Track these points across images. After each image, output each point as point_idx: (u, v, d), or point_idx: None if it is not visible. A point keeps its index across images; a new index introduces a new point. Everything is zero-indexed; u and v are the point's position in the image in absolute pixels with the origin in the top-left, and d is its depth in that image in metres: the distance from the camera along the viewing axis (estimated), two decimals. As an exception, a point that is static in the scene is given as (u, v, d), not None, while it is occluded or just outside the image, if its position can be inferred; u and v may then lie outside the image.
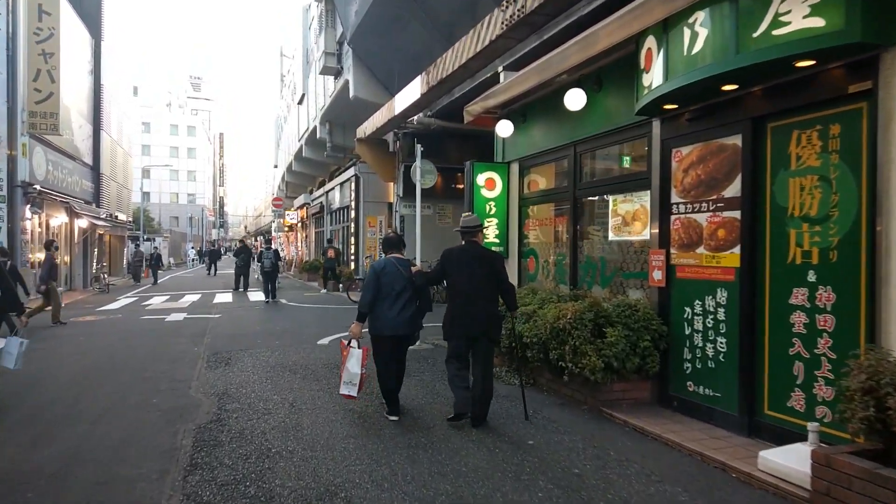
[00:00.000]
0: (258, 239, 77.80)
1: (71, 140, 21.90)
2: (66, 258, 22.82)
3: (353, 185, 21.98)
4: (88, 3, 24.23)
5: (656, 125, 5.86)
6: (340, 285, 21.00)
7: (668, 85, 4.94)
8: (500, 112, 8.93)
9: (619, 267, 6.55)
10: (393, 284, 5.48)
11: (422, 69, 14.19)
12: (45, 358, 8.89)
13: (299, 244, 38.86)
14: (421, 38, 16.98)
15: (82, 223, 23.20)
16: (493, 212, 8.76)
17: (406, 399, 6.29)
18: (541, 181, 8.57)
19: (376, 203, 21.68)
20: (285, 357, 8.74)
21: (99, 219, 24.50)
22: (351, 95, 18.77)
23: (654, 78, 5.19)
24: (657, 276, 5.74)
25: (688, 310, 5.48)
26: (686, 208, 5.50)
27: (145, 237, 39.19)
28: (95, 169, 25.61)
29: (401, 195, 18.59)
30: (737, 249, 4.97)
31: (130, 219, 36.30)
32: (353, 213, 22.08)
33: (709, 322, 5.25)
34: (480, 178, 8.70)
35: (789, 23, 3.92)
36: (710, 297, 5.22)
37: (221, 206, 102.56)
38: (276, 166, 52.75)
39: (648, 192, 6.03)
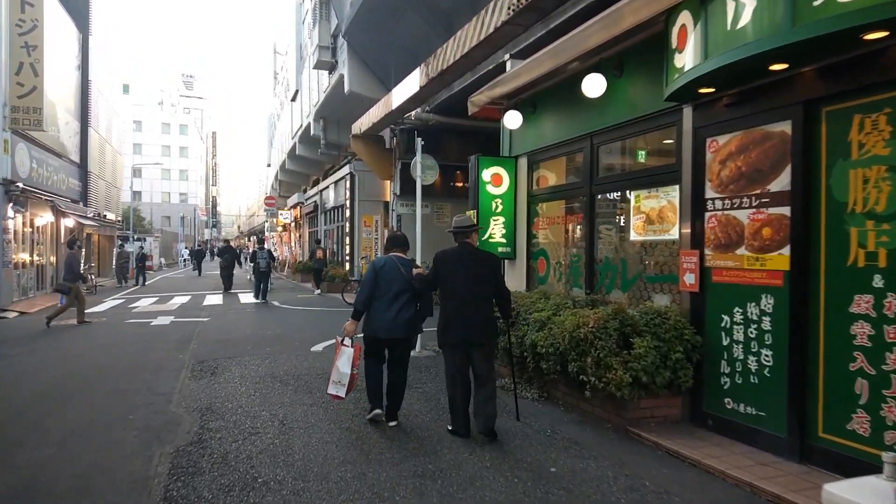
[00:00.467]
0: (251, 239, 77.05)
1: (57, 137, 21.23)
2: (52, 258, 22.12)
3: (347, 183, 21.36)
4: (75, -3, 23.55)
5: (688, 112, 5.28)
6: (318, 290, 20.72)
7: (707, 65, 4.35)
8: (506, 103, 8.34)
9: (642, 269, 5.97)
10: (391, 284, 5.20)
11: (419, 63, 13.58)
12: (14, 366, 8.26)
13: (293, 244, 38.18)
14: (419, 29, 16.37)
15: (69, 222, 22.52)
16: (499, 209, 8.17)
17: (409, 415, 5.70)
18: (552, 176, 7.99)
19: (372, 202, 21.08)
20: (276, 366, 8.13)
21: (86, 218, 23.82)
22: (346, 90, 18.16)
23: (687, 58, 4.61)
24: (689, 279, 5.16)
25: (726, 318, 4.90)
26: (724, 204, 4.92)
27: (135, 237, 38.37)
28: (83, 167, 24.93)
29: (398, 193, 17.99)
30: (785, 250, 4.40)
31: (120, 218, 35.58)
32: (347, 213, 21.46)
33: (751, 332, 4.68)
34: (486, 174, 8.11)
35: (859, -14, 3.35)
36: (753, 303, 4.65)
37: (214, 205, 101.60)
38: (269, 165, 52.01)
39: (678, 186, 5.46)
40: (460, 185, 18.26)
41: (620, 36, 5.63)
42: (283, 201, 40.67)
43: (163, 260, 46.16)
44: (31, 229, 19.79)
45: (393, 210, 18.45)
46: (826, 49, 3.90)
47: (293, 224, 37.31)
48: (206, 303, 17.29)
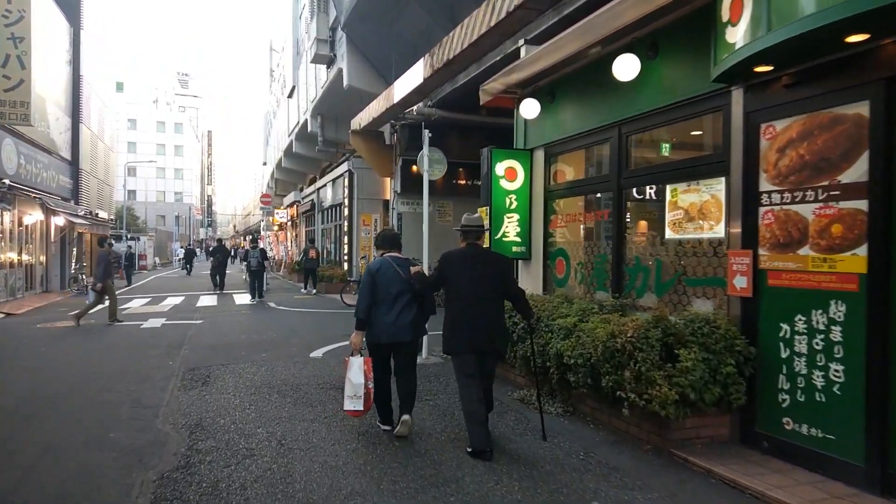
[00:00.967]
0: (246, 238, 76.32)
1: (46, 133, 20.60)
2: (41, 258, 21.48)
3: (346, 181, 20.75)
4: (66, -11, 22.88)
5: (738, 95, 4.70)
6: (315, 290, 20.33)
7: (772, 37, 3.77)
8: (520, 92, 7.76)
9: (680, 271, 5.38)
10: (389, 287, 4.96)
11: (421, 56, 13.01)
12: (-9, 375, 7.64)
13: (289, 244, 37.53)
14: (421, 21, 15.80)
15: (59, 221, 21.86)
16: (513, 206, 7.58)
17: (421, 433, 5.11)
18: (571, 170, 7.41)
19: (371, 200, 20.49)
20: (273, 374, 7.53)
21: (77, 216, 23.14)
22: (345, 84, 17.56)
23: (742, 32, 4.04)
24: (740, 283, 4.58)
25: (785, 327, 4.32)
26: (782, 198, 4.34)
27: (129, 236, 37.70)
28: (74, 164, 24.28)
29: (398, 191, 17.41)
30: (861, 250, 3.82)
31: (113, 217, 34.88)
32: (346, 211, 20.86)
33: (817, 343, 4.10)
34: (500, 168, 7.52)
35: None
36: (820, 311, 4.07)
37: (209, 204, 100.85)
38: (265, 164, 51.42)
39: (723, 179, 4.88)
40: (463, 182, 17.68)
41: (655, 13, 5.08)
42: (280, 200, 40.05)
43: (157, 259, 45.46)
44: (19, 228, 19.16)
45: (393, 208, 17.85)
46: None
47: (289, 223, 36.67)
48: (199, 304, 16.66)
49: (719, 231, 4.96)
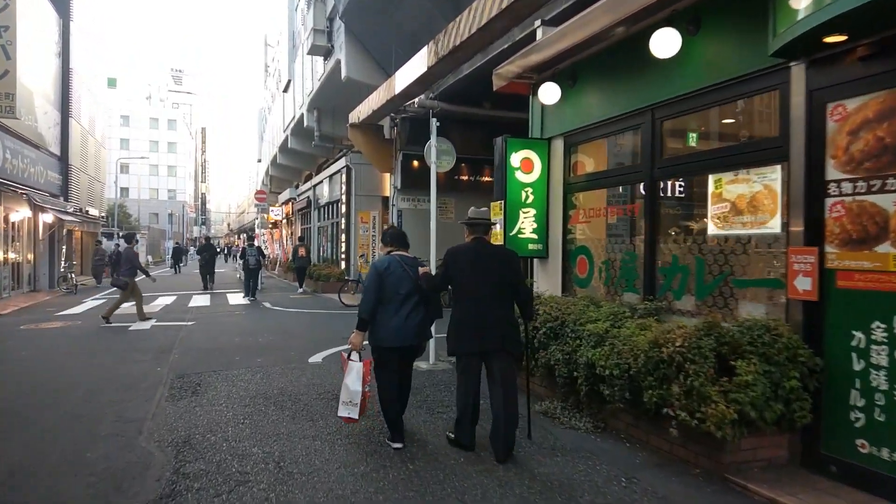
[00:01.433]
0: (240, 237, 75.54)
1: (34, 127, 19.95)
2: (29, 256, 20.82)
3: (343, 177, 20.15)
4: (54, -22, 22.20)
5: (798, 71, 4.14)
6: (302, 288, 20.05)
7: (849, 1, 3.22)
8: (537, 77, 7.21)
9: (726, 272, 4.82)
10: (398, 287, 4.69)
11: (422, 47, 12.42)
12: (-37, 383, 7.03)
13: (284, 242, 36.88)
14: (423, 9, 15.19)
15: (47, 218, 21.19)
16: (530, 200, 7.01)
17: (437, 454, 4.54)
18: (594, 161, 6.85)
19: (369, 197, 19.91)
20: (269, 382, 6.95)
21: (66, 213, 22.46)
22: (343, 76, 16.95)
23: (810, -4, 3.49)
24: (803, 285, 4.02)
25: (858, 335, 3.77)
26: (855, 187, 3.79)
27: (121, 234, 36.98)
28: (63, 159, 23.62)
29: (398, 187, 16.85)
30: (958, 247, 3.28)
31: (104, 214, 34.18)
32: (343, 208, 20.26)
33: (900, 354, 3.55)
34: (515, 159, 6.94)
35: None
36: (905, 317, 3.52)
37: (203, 202, 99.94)
38: (259, 160, 50.71)
39: (779, 166, 4.33)
40: (466, 178, 17.13)
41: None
42: (274, 197, 39.39)
43: (150, 258, 44.74)
44: (5, 225, 18.51)
45: (393, 205, 17.28)
46: None
47: (284, 221, 36.02)
48: (191, 304, 16.05)
49: (774, 226, 4.40)
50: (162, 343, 9.66)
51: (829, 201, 3.94)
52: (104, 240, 31.77)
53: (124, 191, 68.68)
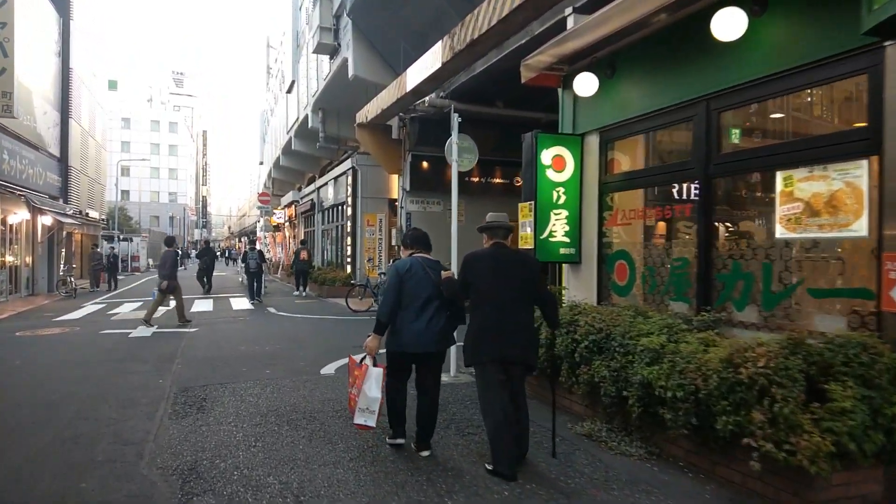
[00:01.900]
0: (241, 240, 75.05)
1: (33, 127, 19.49)
2: (27, 259, 20.31)
3: (349, 178, 19.64)
4: (53, -25, 21.75)
5: (894, 52, 3.63)
6: (305, 291, 19.83)
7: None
8: (567, 68, 6.70)
9: (799, 280, 4.31)
10: (419, 290, 4.50)
11: (431, 45, 11.93)
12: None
13: (288, 245, 36.36)
14: (433, 6, 14.71)
15: (46, 220, 20.71)
16: (561, 201, 6.50)
17: (476, 485, 4.02)
18: (633, 158, 6.35)
19: (375, 199, 19.41)
20: (280, 396, 6.44)
21: (65, 216, 21.95)
22: (350, 75, 16.47)
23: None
24: (902, 296, 3.50)
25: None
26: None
27: (121, 237, 36.51)
28: (63, 161, 23.16)
29: (407, 189, 16.34)
30: None
31: (104, 217, 33.70)
32: (349, 211, 19.75)
33: None
34: (546, 156, 6.44)
35: None
36: None
37: (204, 205, 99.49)
38: (261, 163, 50.34)
39: (865, 161, 3.82)
40: (477, 180, 16.61)
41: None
42: (277, 200, 38.90)
43: (150, 261, 44.23)
44: (2, 227, 18.03)
45: (402, 207, 16.77)
46: None
47: (287, 224, 35.52)
48: (193, 309, 15.51)
49: (858, 228, 3.88)
50: (164, 352, 9.15)
51: (933, 200, 3.43)
52: (104, 242, 31.30)
53: (125, 193, 68.19)
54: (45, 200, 20.41)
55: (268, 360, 8.41)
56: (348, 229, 19.89)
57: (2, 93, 15.81)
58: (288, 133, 29.40)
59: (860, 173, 3.87)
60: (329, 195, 23.45)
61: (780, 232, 4.39)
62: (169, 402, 6.25)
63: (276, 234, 39.36)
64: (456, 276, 4.68)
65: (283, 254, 35.88)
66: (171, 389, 6.77)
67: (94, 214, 28.07)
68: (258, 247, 27.44)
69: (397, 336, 4.50)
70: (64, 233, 23.87)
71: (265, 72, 47.72)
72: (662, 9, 4.77)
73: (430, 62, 11.40)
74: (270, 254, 38.87)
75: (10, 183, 17.39)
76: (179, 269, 32.67)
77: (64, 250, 24.20)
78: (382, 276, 15.59)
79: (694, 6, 4.88)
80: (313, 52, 19.81)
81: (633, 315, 5.07)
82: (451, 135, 7.43)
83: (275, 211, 36.97)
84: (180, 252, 17.21)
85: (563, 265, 6.97)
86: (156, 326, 11.85)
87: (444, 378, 7.12)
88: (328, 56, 19.24)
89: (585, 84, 5.98)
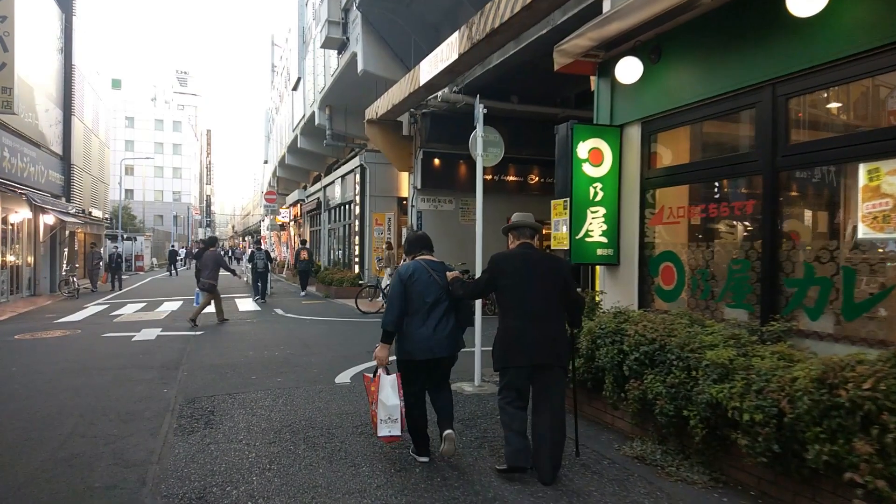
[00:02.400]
0: (245, 239, 74.70)
1: (35, 124, 19.07)
2: (29, 259, 19.88)
3: (357, 176, 19.17)
4: (55, -30, 21.32)
5: None
6: (304, 291, 19.93)
7: None
8: (604, 53, 6.20)
9: (887, 284, 3.80)
10: (425, 295, 4.36)
11: (444, 38, 11.43)
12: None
13: (293, 244, 35.93)
14: (447, -3, 14.21)
15: (48, 219, 20.26)
16: (599, 197, 6.00)
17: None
18: (678, 152, 5.83)
19: (384, 198, 18.94)
20: (293, 408, 5.95)
21: (67, 214, 21.50)
22: (359, 70, 15.98)
23: None
24: None
25: None
26: None
27: (124, 236, 36.10)
28: (66, 159, 22.74)
29: (418, 187, 15.86)
30: None
31: (108, 216, 33.28)
32: (357, 210, 19.29)
33: None
34: (582, 149, 5.93)
35: None
36: None
37: (208, 204, 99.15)
38: (266, 162, 49.96)
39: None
40: (490, 177, 16.10)
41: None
42: (282, 199, 38.48)
43: (154, 260, 43.94)
44: (4, 227, 17.60)
45: (413, 206, 16.29)
46: None
47: (292, 223, 35.08)
48: (199, 311, 15.07)
49: (966, 227, 3.38)
50: (168, 357, 8.68)
51: None
52: (108, 242, 30.89)
53: (129, 192, 67.85)
54: (47, 199, 19.99)
55: (278, 367, 7.93)
56: (356, 228, 19.43)
57: (2, 88, 15.38)
58: (294, 131, 28.95)
59: (969, 164, 3.36)
60: (336, 194, 22.98)
61: (864, 231, 3.88)
62: (174, 415, 5.77)
63: (282, 233, 38.98)
64: (461, 277, 4.51)
65: (289, 253, 35.45)
66: (177, 401, 6.29)
67: (97, 213, 27.65)
68: (264, 246, 26.97)
69: (405, 343, 4.36)
70: (66, 232, 23.46)
71: (270, 70, 47.34)
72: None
73: (445, 54, 10.90)
74: (276, 253, 38.44)
75: (11, 181, 16.97)
76: (175, 267, 32.55)
77: (66, 250, 23.78)
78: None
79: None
80: (321, 48, 19.34)
81: (689, 323, 4.56)
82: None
83: (280, 210, 36.59)
84: (227, 252, 17.15)
85: (597, 267, 6.47)
86: (160, 330, 11.40)
87: (468, 388, 6.66)
88: (336, 51, 18.76)
89: (629, 70, 5.47)
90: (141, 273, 36.48)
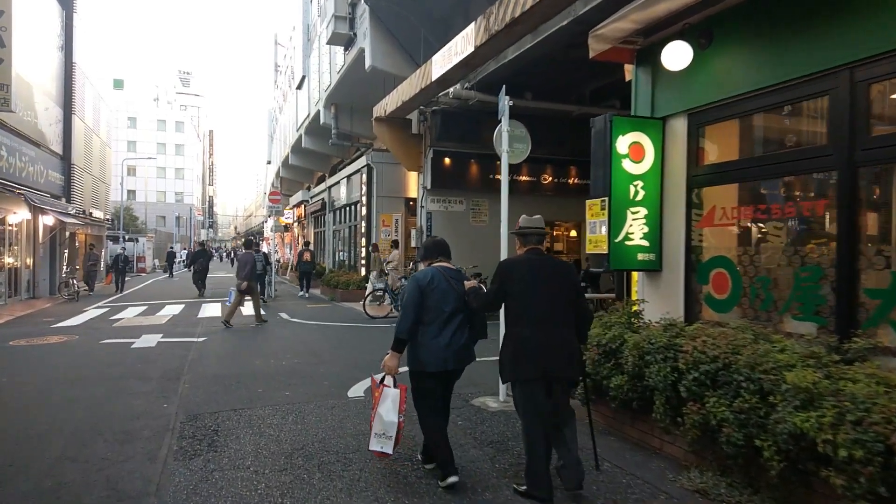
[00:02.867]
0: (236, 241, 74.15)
1: (34, 123, 18.62)
2: (28, 261, 19.40)
3: (363, 176, 18.68)
4: (55, -34, 20.86)
5: None
6: (307, 293, 19.82)
7: None
8: (643, 40, 5.69)
9: None
10: (443, 304, 4.15)
11: (455, 33, 10.92)
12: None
13: (297, 245, 35.42)
14: (459, -10, 13.72)
15: (48, 220, 19.78)
16: (640, 197, 5.48)
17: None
18: (731, 146, 5.31)
19: (392, 198, 18.45)
20: (305, 428, 5.44)
21: (67, 215, 21.02)
22: (367, 66, 15.48)
23: None
24: None
25: None
26: None
27: (127, 237, 35.66)
28: (66, 159, 22.26)
29: (428, 187, 15.36)
30: None
31: (109, 217, 32.80)
32: (363, 210, 18.79)
33: None
34: (622, 144, 5.41)
35: None
36: None
37: (211, 205, 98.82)
38: (269, 162, 49.48)
39: None
40: (500, 177, 15.61)
41: None
42: (286, 200, 37.98)
43: (156, 261, 43.43)
44: (1, 227, 17.13)
45: (422, 206, 15.79)
46: None
47: (296, 224, 34.58)
48: (201, 314, 14.59)
49: None
50: (169, 366, 8.18)
51: None
52: (109, 243, 30.43)
53: (131, 193, 67.54)
54: (47, 199, 19.52)
55: (286, 379, 7.42)
56: (362, 230, 18.94)
57: (-1, 85, 14.90)
58: (298, 130, 28.47)
59: None
60: (341, 194, 22.49)
61: (970, 235, 3.37)
62: (175, 434, 5.27)
63: (286, 234, 38.50)
64: (478, 287, 4.25)
65: (293, 254, 34.96)
66: (178, 417, 5.79)
67: (98, 214, 27.16)
68: (263, 248, 26.51)
69: (419, 353, 4.13)
70: (67, 233, 22.98)
71: (273, 70, 46.89)
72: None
73: (460, 47, 10.40)
74: (279, 254, 37.94)
75: (9, 181, 16.49)
76: (174, 268, 32.26)
77: (67, 251, 23.31)
78: (403, 280, 14.59)
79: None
80: (327, 44, 18.83)
81: (753, 338, 4.04)
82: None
83: (284, 211, 36.09)
84: (230, 253, 17.10)
85: (634, 274, 5.95)
86: (161, 335, 10.90)
87: (493, 404, 6.16)
88: (342, 48, 18.26)
89: (677, 55, 4.95)
90: (143, 275, 36.02)
